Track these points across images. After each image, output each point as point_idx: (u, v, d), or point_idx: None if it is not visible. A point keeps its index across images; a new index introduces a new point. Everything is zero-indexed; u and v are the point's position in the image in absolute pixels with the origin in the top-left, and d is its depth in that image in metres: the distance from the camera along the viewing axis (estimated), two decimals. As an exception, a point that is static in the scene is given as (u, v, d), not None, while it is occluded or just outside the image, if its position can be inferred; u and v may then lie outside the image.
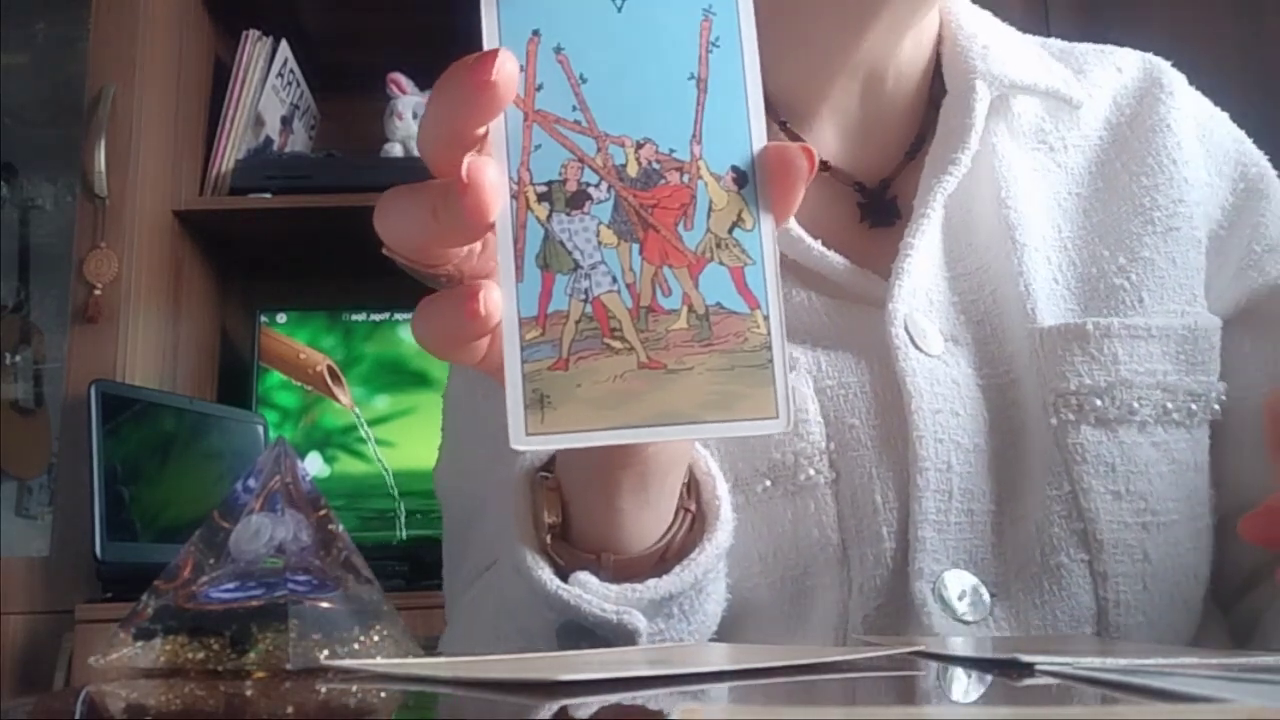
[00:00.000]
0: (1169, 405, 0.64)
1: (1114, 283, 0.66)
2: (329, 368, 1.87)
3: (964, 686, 0.36)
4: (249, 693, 0.37)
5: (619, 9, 0.38)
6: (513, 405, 0.37)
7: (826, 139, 0.70)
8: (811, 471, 0.62)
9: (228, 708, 0.35)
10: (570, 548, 0.51)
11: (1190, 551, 0.63)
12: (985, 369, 0.65)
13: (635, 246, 0.38)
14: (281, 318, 1.90)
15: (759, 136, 0.39)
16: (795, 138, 0.69)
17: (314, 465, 1.83)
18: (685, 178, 0.38)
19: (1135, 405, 0.63)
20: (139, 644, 0.42)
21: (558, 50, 0.38)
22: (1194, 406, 0.64)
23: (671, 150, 0.38)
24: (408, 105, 1.89)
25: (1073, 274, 0.67)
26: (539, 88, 0.38)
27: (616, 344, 0.38)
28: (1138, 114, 0.71)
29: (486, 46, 0.38)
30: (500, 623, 0.58)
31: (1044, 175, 0.70)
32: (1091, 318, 0.64)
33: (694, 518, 0.52)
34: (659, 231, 0.38)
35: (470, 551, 0.69)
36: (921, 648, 0.43)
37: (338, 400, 1.86)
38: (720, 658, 0.45)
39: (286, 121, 1.93)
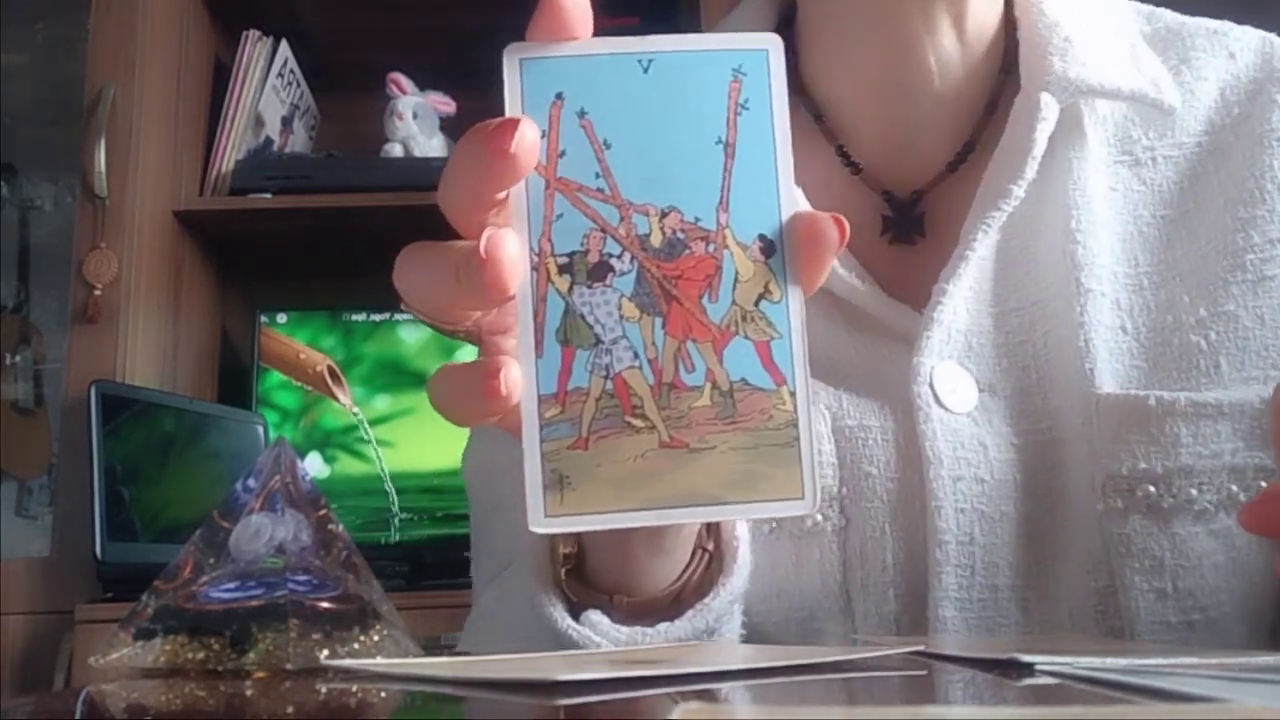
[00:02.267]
0: (1234, 488, 0.56)
1: (1190, 339, 0.59)
2: (329, 368, 1.87)
3: (964, 686, 0.36)
4: (249, 693, 0.37)
5: (645, 70, 0.37)
6: (531, 486, 0.36)
7: (863, 140, 0.65)
8: (819, 517, 0.58)
9: (228, 708, 0.35)
10: (584, 586, 0.50)
11: (1241, 637, 0.58)
12: (1024, 424, 0.59)
13: (658, 320, 0.37)
14: (281, 318, 1.90)
15: (788, 204, 0.37)
16: (832, 137, 0.65)
17: (314, 465, 1.83)
18: (710, 247, 0.37)
19: (1194, 494, 0.56)
20: (139, 644, 0.42)
21: (581, 115, 0.37)
22: (1264, 483, 0.56)
23: (697, 219, 0.37)
24: (408, 105, 1.89)
25: (1144, 320, 0.60)
26: (561, 154, 0.37)
27: (638, 422, 0.37)
28: (1247, 116, 0.62)
29: (509, 110, 0.37)
30: (512, 641, 0.57)
31: (1125, 195, 0.62)
32: (1156, 390, 0.57)
33: (711, 557, 0.51)
34: (682, 304, 0.37)
35: (490, 547, 0.69)
36: (921, 647, 0.43)
37: (338, 400, 1.86)
38: (720, 658, 0.45)
39: (286, 121, 1.93)
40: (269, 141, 1.88)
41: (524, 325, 0.37)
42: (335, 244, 1.87)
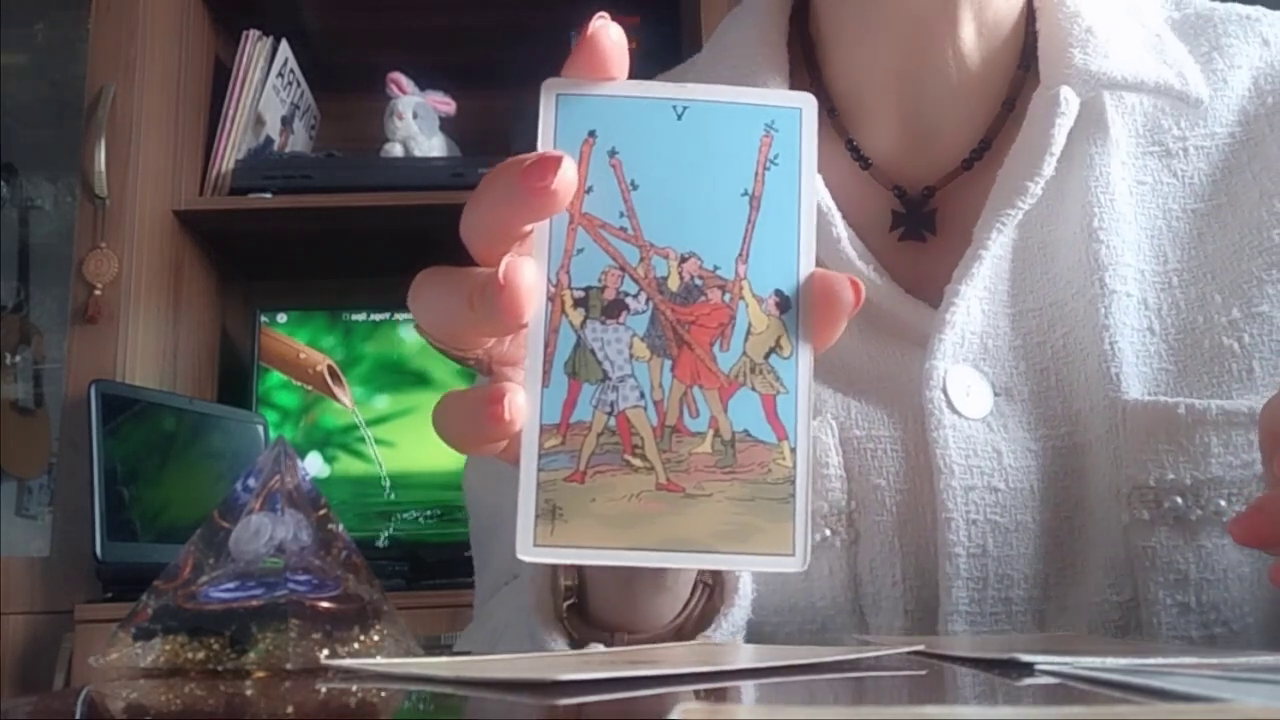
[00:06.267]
0: None
1: (1221, 342, 0.56)
2: (329, 368, 1.87)
3: (964, 686, 0.36)
4: (249, 693, 0.37)
5: (679, 117, 0.38)
6: (523, 513, 0.36)
7: (877, 134, 0.63)
8: (828, 531, 0.57)
9: (228, 708, 0.35)
10: (585, 623, 0.50)
11: (1264, 645, 0.55)
12: (1042, 429, 0.57)
13: (667, 363, 0.37)
14: (281, 318, 1.90)
15: (807, 261, 0.38)
16: (843, 131, 0.64)
17: (314, 465, 1.83)
18: (726, 297, 0.37)
19: (1223, 504, 0.54)
20: (139, 644, 0.42)
21: (612, 154, 0.37)
22: None
23: (716, 267, 0.37)
24: (408, 105, 1.89)
25: (1173, 320, 0.57)
26: (589, 190, 0.37)
27: (636, 461, 0.37)
28: None
29: (541, 144, 0.37)
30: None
31: (1154, 189, 0.60)
32: (1186, 397, 0.55)
33: (712, 591, 0.50)
34: (693, 350, 0.37)
35: (493, 558, 0.68)
36: (921, 647, 0.43)
37: (338, 400, 1.86)
38: (720, 658, 0.45)
39: (286, 121, 1.93)
40: (269, 141, 1.88)
41: (533, 354, 0.37)
42: (335, 244, 1.87)
